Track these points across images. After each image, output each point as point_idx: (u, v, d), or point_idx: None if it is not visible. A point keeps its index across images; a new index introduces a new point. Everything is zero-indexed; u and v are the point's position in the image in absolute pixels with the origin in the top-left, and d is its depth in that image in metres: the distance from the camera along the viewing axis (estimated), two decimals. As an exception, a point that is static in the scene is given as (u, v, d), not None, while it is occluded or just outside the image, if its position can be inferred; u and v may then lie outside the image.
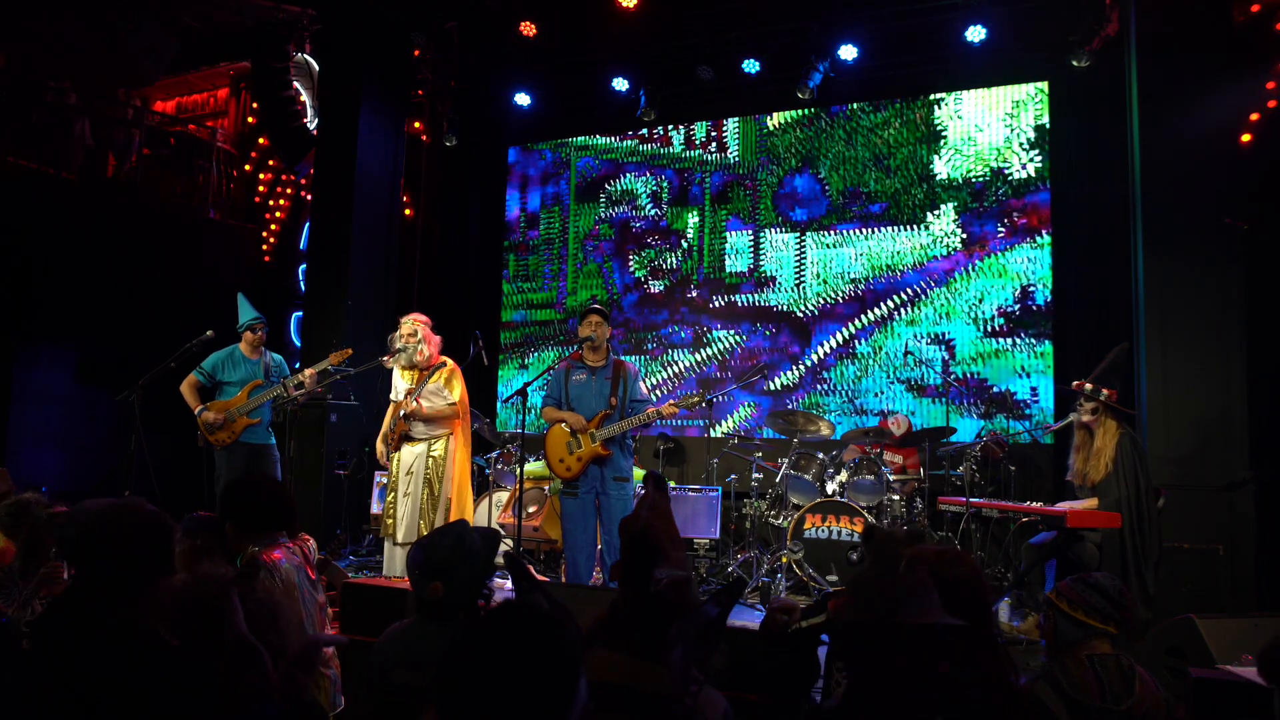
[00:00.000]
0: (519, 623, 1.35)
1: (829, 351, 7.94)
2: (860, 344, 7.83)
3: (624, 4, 7.39)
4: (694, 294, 8.55)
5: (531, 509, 6.69)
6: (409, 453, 5.36)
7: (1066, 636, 2.51)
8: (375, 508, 7.43)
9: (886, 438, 6.57)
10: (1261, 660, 2.58)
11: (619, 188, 9.00)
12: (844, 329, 7.91)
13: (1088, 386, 4.83)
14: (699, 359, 8.46)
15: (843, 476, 6.34)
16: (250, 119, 10.26)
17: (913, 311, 7.68)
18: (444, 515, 5.27)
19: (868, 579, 2.14)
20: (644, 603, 1.98)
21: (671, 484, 7.01)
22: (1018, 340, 7.29)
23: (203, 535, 2.94)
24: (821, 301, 8.02)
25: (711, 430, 7.75)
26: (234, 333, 6.15)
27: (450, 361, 5.50)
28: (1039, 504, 4.94)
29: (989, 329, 7.40)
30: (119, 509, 2.06)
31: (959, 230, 7.58)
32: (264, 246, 9.81)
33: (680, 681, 1.80)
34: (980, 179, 7.55)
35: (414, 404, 5.27)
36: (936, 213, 7.67)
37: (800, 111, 8.23)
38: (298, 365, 6.60)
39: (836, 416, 7.68)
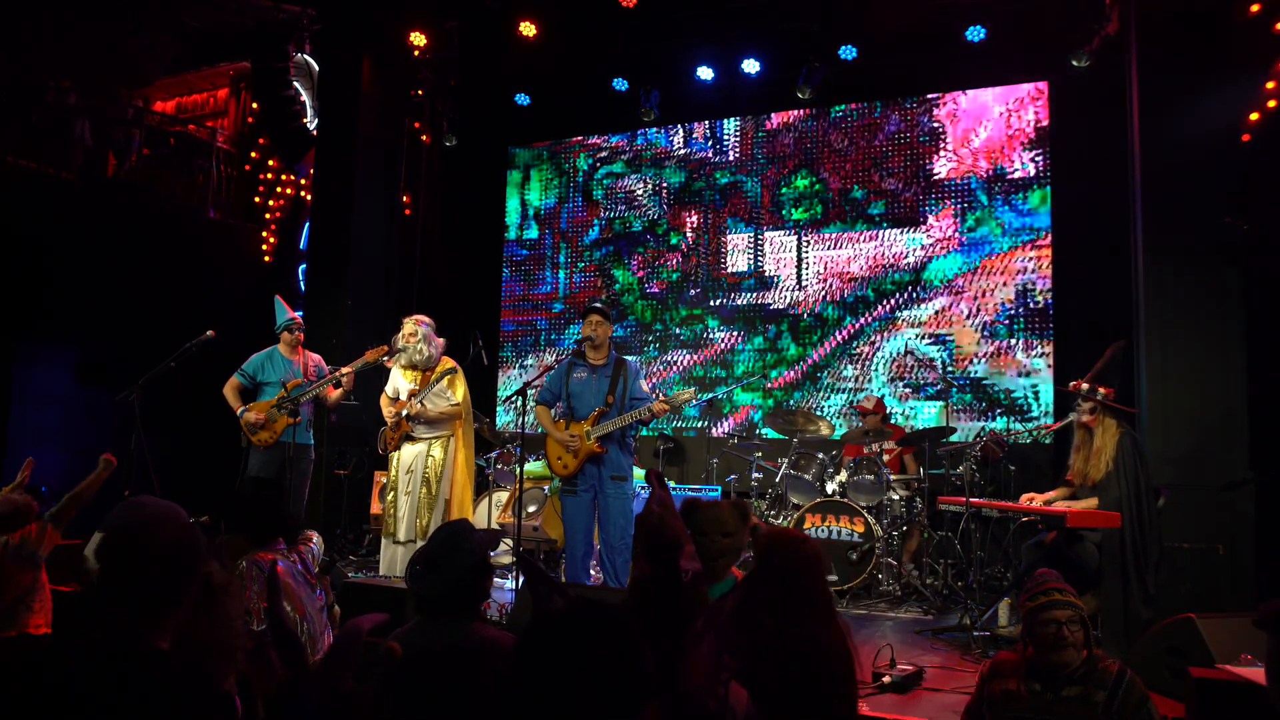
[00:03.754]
0: (602, 628, 1.33)
1: (829, 351, 7.94)
2: (860, 344, 7.83)
3: (624, 4, 7.39)
4: (694, 294, 8.55)
5: (531, 509, 6.69)
6: (409, 451, 5.37)
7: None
8: (375, 508, 7.43)
9: (885, 437, 6.56)
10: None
11: (619, 188, 9.00)
12: (844, 329, 7.91)
13: (1084, 387, 4.82)
14: (699, 359, 8.45)
15: (842, 476, 6.34)
16: (250, 119, 10.26)
17: (913, 311, 7.68)
18: (441, 514, 5.28)
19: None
20: (673, 592, 1.96)
21: (671, 484, 7.00)
22: (1018, 340, 7.29)
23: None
24: (821, 302, 8.02)
25: (711, 430, 7.74)
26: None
27: (455, 364, 5.51)
28: (1040, 503, 4.93)
29: (989, 329, 7.40)
30: (149, 524, 1.82)
31: (959, 230, 7.58)
32: (264, 246, 9.80)
33: (711, 674, 1.77)
34: (980, 179, 7.54)
35: (418, 406, 5.27)
36: (936, 213, 7.67)
37: (800, 111, 8.22)
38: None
39: (836, 417, 7.68)
